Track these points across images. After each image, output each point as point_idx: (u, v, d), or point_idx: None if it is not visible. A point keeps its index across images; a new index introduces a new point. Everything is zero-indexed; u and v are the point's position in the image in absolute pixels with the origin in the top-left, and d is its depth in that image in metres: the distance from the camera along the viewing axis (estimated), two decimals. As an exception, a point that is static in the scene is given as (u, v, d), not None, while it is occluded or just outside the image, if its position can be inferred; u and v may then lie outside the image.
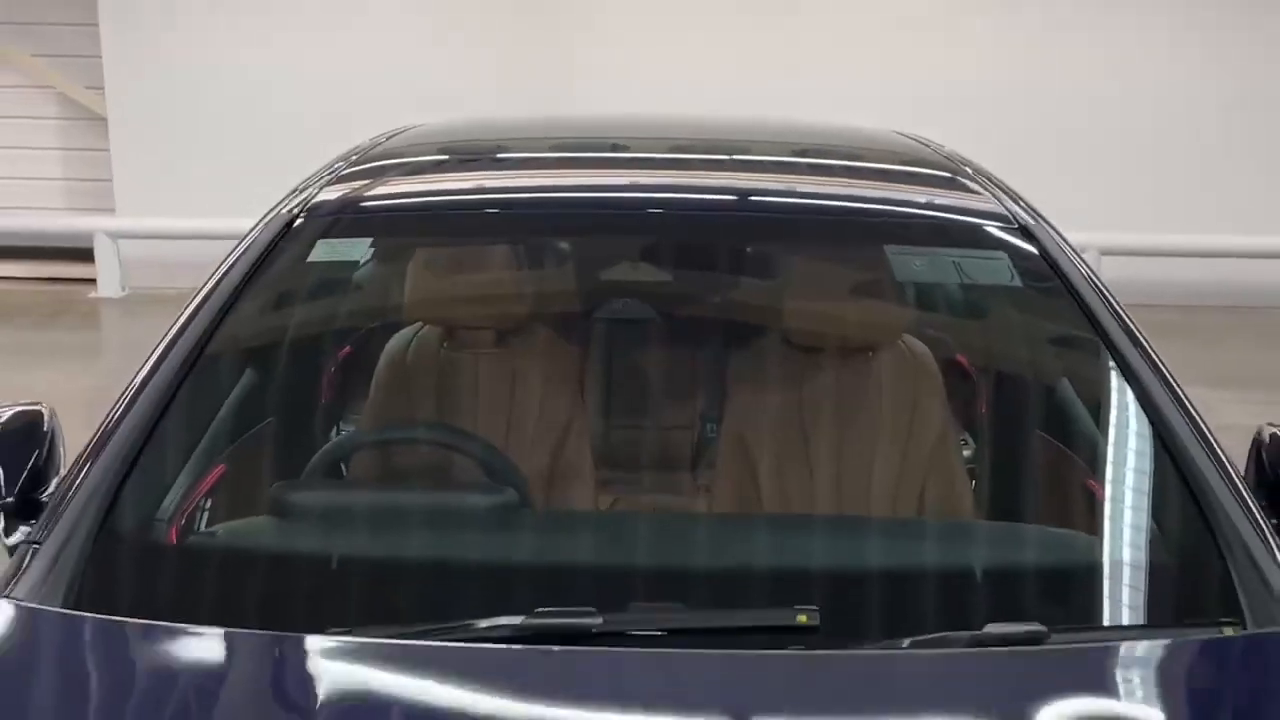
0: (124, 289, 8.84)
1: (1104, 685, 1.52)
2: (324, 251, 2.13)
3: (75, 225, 9.02)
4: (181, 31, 8.91)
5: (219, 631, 1.54)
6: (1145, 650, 1.58)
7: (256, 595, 1.71)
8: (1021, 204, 2.26)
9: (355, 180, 2.24)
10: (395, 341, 2.27)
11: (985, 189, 2.29)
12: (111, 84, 9.00)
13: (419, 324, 2.29)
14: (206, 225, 8.12)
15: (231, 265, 2.04)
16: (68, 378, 7.04)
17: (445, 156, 2.57)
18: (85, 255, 9.06)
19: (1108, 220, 8.49)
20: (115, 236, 8.82)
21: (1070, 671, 1.51)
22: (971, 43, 8.82)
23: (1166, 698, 1.52)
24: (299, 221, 2.08)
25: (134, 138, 9.03)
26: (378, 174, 2.28)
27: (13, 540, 1.73)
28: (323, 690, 1.47)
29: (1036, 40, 8.88)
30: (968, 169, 2.44)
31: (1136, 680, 1.55)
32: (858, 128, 3.15)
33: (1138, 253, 8.66)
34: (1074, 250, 2.19)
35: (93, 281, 8.96)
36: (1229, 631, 1.59)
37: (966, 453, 2.24)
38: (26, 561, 1.65)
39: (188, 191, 8.78)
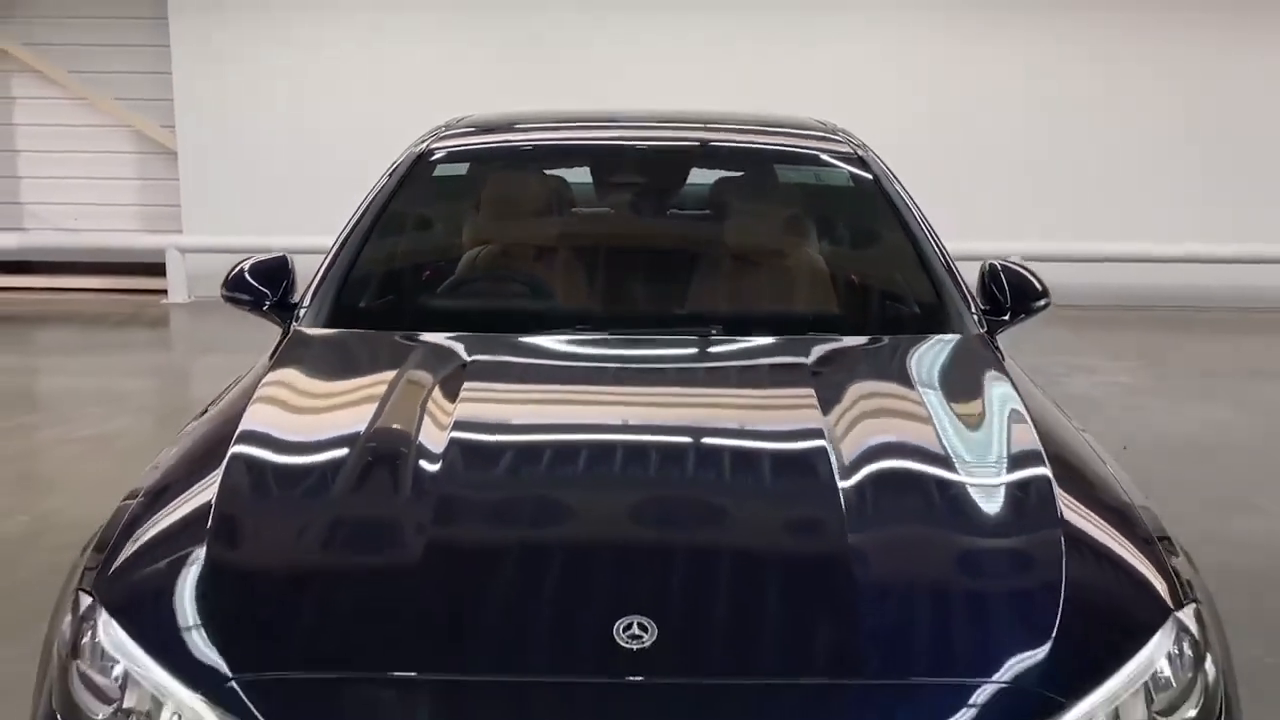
0: (190, 296, 10.35)
1: (878, 371, 2.91)
2: (433, 163, 3.67)
3: (150, 242, 10.54)
4: (240, 78, 10.44)
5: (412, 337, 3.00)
6: (908, 341, 3.05)
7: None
8: (864, 149, 3.74)
9: (447, 137, 3.78)
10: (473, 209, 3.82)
11: (846, 140, 3.80)
12: (181, 123, 10.52)
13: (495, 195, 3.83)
14: (260, 240, 9.54)
15: (391, 173, 3.56)
16: (148, 361, 8.57)
17: (496, 122, 4.10)
18: (154, 270, 10.53)
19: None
20: (184, 251, 10.34)
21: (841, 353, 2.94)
22: (915, 76, 10.14)
23: (914, 367, 2.92)
24: (421, 156, 3.60)
25: (199, 168, 10.54)
26: (458, 133, 3.82)
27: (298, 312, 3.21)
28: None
29: (970, 76, 10.19)
30: (840, 132, 3.91)
31: (899, 361, 2.95)
32: (786, 114, 4.63)
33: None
34: (887, 170, 3.68)
35: (162, 292, 10.46)
36: (947, 336, 3.07)
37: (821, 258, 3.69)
38: (303, 314, 3.14)
39: (244, 212, 10.26)
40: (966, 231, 7.95)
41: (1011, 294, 3.28)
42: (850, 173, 3.67)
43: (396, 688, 1.76)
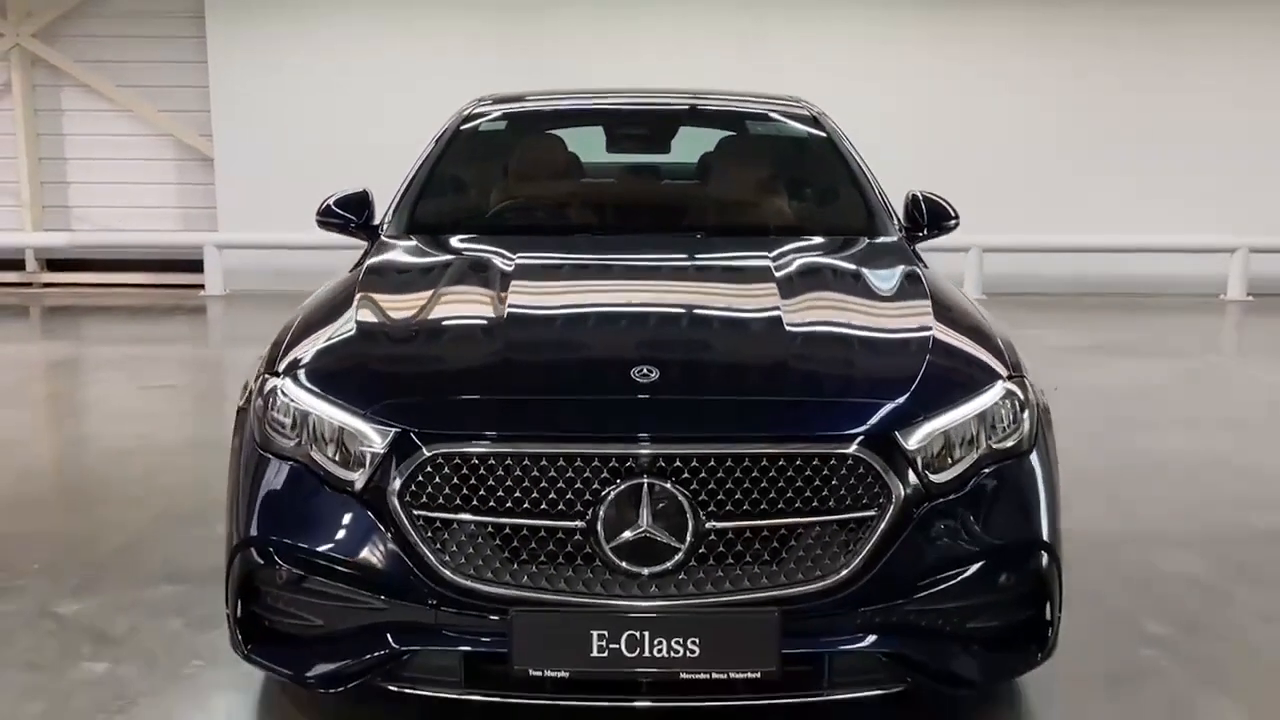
0: (226, 289, 11.32)
1: (817, 249, 3.87)
2: (477, 122, 4.67)
3: (189, 240, 11.52)
4: (271, 91, 11.44)
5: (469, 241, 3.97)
6: (844, 241, 3.98)
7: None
8: (822, 114, 4.71)
9: (485, 103, 4.78)
10: (512, 152, 4.74)
11: (806, 107, 4.80)
12: (218, 131, 11.53)
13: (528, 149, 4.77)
14: (288, 238, 10.58)
15: (447, 127, 4.54)
16: (195, 338, 9.52)
17: (523, 94, 5.06)
18: (191, 267, 11.49)
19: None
20: (220, 247, 11.31)
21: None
22: (912, 77, 11.16)
23: (844, 250, 3.88)
24: (468, 116, 4.62)
25: (233, 173, 11.53)
26: (494, 100, 4.81)
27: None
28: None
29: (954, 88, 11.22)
30: (803, 102, 4.90)
31: (835, 246, 3.89)
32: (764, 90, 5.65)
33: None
34: (838, 129, 4.62)
35: (199, 287, 11.42)
36: (876, 240, 4.02)
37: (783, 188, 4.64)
38: (386, 228, 4.08)
39: (274, 213, 11.18)
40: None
41: (929, 216, 4.25)
42: (807, 130, 4.66)
43: (492, 403, 2.72)
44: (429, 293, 3.28)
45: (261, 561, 2.72)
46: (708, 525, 2.53)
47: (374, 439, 2.64)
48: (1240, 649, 3.43)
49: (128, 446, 5.70)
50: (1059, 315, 10.03)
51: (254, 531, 2.75)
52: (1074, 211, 11.18)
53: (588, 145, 4.96)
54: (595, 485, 2.53)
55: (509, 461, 2.55)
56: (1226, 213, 11.15)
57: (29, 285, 11.86)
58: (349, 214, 4.24)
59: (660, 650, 2.51)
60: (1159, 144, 11.19)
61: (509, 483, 2.55)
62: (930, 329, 3.05)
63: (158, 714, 3.02)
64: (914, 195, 4.31)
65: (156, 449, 5.65)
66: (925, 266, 3.75)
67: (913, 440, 2.65)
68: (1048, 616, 2.78)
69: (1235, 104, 11.18)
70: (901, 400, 2.72)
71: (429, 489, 2.57)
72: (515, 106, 4.87)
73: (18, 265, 11.91)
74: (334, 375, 2.87)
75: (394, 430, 2.63)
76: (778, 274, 3.37)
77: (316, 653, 2.71)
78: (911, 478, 2.62)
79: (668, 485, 2.52)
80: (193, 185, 11.89)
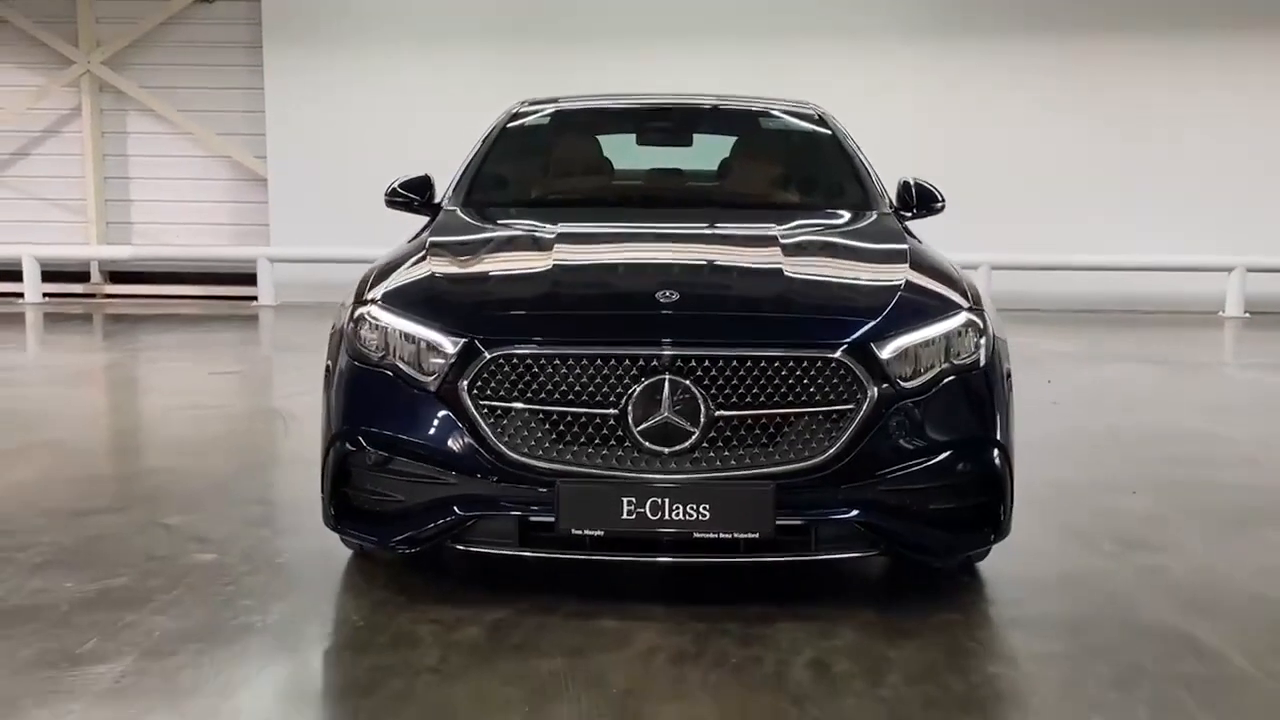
0: (277, 300, 12.04)
1: (817, 219, 4.57)
2: (524, 119, 5.32)
3: (243, 253, 12.27)
4: (322, 116, 12.24)
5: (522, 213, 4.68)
6: (842, 214, 4.61)
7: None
8: (827, 115, 5.34)
9: (529, 103, 5.44)
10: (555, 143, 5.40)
11: (814, 108, 5.43)
12: (272, 154, 12.31)
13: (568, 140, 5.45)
14: (336, 251, 11.30)
15: (497, 122, 5.19)
16: (249, 344, 10.21)
17: (560, 97, 5.70)
18: (244, 279, 12.24)
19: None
20: (273, 260, 12.05)
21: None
22: (930, 108, 11.82)
23: (840, 220, 4.60)
24: (515, 114, 5.26)
25: (285, 192, 12.31)
26: (534, 103, 5.46)
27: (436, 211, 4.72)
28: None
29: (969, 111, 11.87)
30: (810, 104, 5.53)
31: (831, 219, 4.55)
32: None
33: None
34: (842, 127, 5.23)
35: (251, 298, 12.15)
36: (869, 213, 4.64)
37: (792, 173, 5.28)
38: (446, 207, 4.65)
39: (323, 229, 11.98)
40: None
41: (918, 198, 4.85)
42: (813, 127, 5.30)
43: (541, 316, 3.36)
44: (487, 247, 3.92)
45: (352, 448, 3.35)
46: (717, 414, 3.14)
47: (447, 347, 3.27)
48: (1173, 555, 3.99)
49: (205, 415, 6.36)
50: (1060, 328, 10.58)
51: (346, 425, 3.38)
52: (1079, 232, 11.77)
53: (620, 145, 5.61)
54: (626, 380, 3.14)
55: (556, 361, 3.17)
56: (1225, 234, 11.71)
57: (93, 296, 12.63)
58: (413, 194, 4.89)
59: (677, 514, 3.11)
60: (1160, 169, 11.79)
61: (556, 379, 3.17)
62: (905, 274, 3.66)
63: (259, 585, 3.64)
64: (905, 181, 4.91)
65: (230, 416, 6.32)
66: (913, 237, 4.35)
67: (886, 351, 3.25)
68: (1000, 504, 3.36)
69: (1234, 132, 11.78)
70: (878, 320, 3.33)
71: (491, 384, 3.19)
72: (555, 106, 5.53)
73: (83, 277, 12.69)
74: (413, 301, 3.50)
75: (463, 340, 3.25)
76: (783, 241, 3.98)
77: (397, 523, 3.32)
78: (884, 381, 3.22)
79: (685, 381, 3.13)
80: (246, 203, 12.66)
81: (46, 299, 12.35)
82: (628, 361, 3.15)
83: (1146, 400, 7.19)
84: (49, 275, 12.43)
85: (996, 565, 3.74)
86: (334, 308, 3.81)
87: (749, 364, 3.16)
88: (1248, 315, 11.55)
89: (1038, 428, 5.76)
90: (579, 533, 3.15)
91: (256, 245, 12.45)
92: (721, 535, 3.14)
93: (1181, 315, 11.55)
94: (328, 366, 3.61)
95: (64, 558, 3.87)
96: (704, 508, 3.11)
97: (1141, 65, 11.82)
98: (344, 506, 3.41)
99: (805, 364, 3.18)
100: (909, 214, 4.83)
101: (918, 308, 3.47)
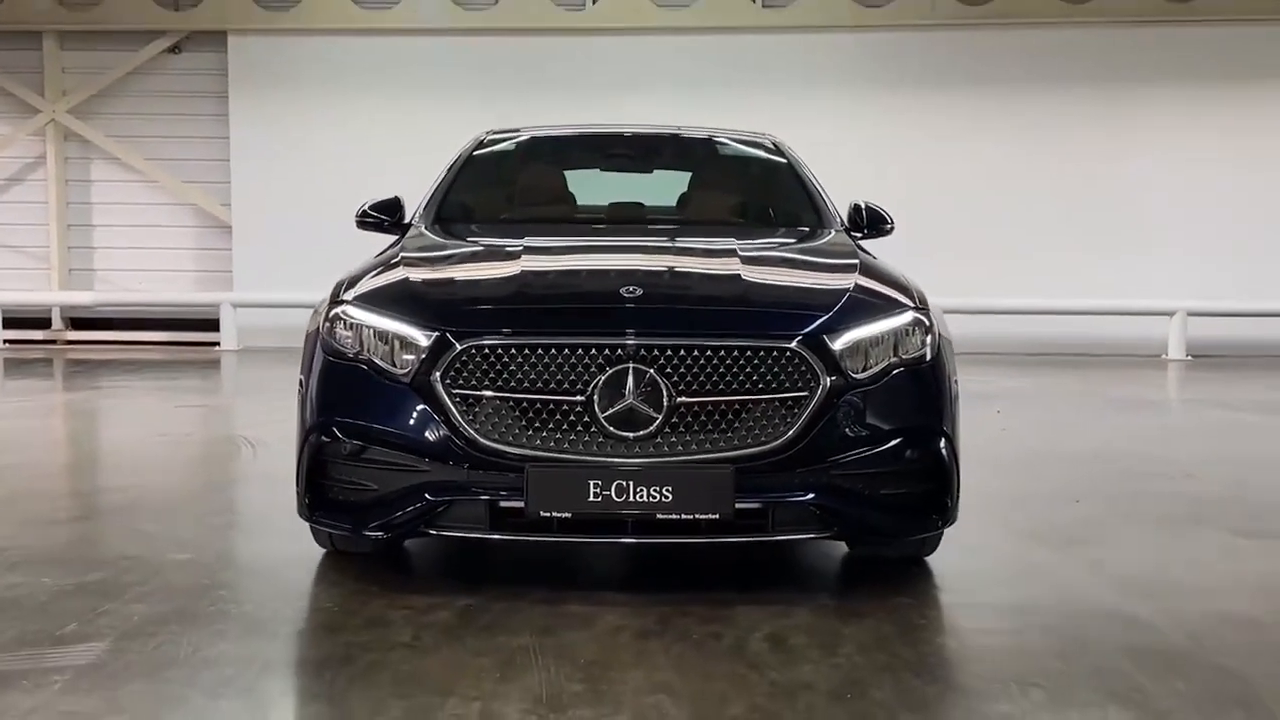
0: (239, 345, 12.11)
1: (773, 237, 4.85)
2: (491, 147, 5.51)
3: (206, 299, 12.36)
4: (285, 166, 12.42)
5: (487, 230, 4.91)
6: (796, 233, 4.83)
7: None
8: (783, 145, 5.57)
9: (496, 132, 5.63)
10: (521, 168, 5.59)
11: (770, 139, 5.65)
12: (236, 201, 12.45)
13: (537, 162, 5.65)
14: (297, 296, 11.37)
15: (464, 150, 5.37)
16: (213, 382, 10.26)
17: (525, 126, 5.91)
18: (207, 325, 12.31)
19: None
20: (235, 306, 12.13)
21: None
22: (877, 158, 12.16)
23: (796, 238, 4.82)
24: (482, 141, 5.44)
25: (249, 239, 12.43)
26: (501, 132, 5.66)
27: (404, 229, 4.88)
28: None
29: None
30: (771, 137, 5.75)
31: (787, 236, 4.77)
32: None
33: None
34: (798, 157, 5.46)
35: (214, 344, 12.21)
36: (820, 233, 4.81)
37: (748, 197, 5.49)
38: (416, 226, 4.74)
39: (284, 275, 12.08)
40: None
41: (868, 220, 5.09)
42: (769, 156, 5.54)
43: (511, 309, 3.52)
44: (456, 256, 4.10)
45: (328, 439, 3.48)
46: (679, 400, 3.30)
47: (420, 340, 3.42)
48: (1113, 550, 4.18)
49: (174, 441, 6.44)
50: (1009, 368, 10.87)
51: (322, 417, 3.52)
52: (1027, 278, 12.12)
53: (584, 177, 5.81)
54: (592, 369, 3.31)
55: (526, 351, 3.33)
56: (1168, 280, 12.11)
57: (54, 342, 12.63)
58: (383, 215, 5.05)
59: (641, 496, 3.26)
60: (1106, 218, 12.22)
61: (525, 368, 3.33)
62: (856, 278, 3.87)
63: (234, 579, 3.74)
64: (856, 204, 5.16)
65: (198, 442, 6.40)
66: (865, 252, 4.57)
67: (837, 343, 3.44)
68: (946, 492, 3.54)
69: (1175, 182, 12.23)
70: (830, 314, 3.53)
71: (464, 374, 3.35)
72: (520, 135, 5.74)
73: (45, 324, 12.70)
74: (388, 300, 3.65)
75: (436, 333, 3.41)
76: (741, 253, 4.17)
77: (370, 511, 3.45)
78: (836, 373, 3.41)
79: (648, 370, 3.30)
80: (211, 250, 12.78)
81: (6, 345, 12.35)
82: (594, 351, 3.32)
83: (1091, 428, 7.44)
84: (10, 322, 12.44)
85: (947, 559, 3.91)
86: (295, 352, 3.93)
87: (709, 353, 3.34)
88: (1189, 358, 11.91)
89: (988, 451, 5.97)
90: (547, 515, 3.29)
91: (220, 290, 12.54)
92: (683, 516, 3.29)
93: (1126, 358, 11.90)
94: (302, 366, 3.75)
95: (40, 558, 3.95)
96: (666, 490, 3.27)
97: (1087, 120, 12.27)
98: (319, 497, 3.53)
99: (762, 354, 3.36)
100: (860, 234, 5.05)
101: (868, 306, 3.68)
